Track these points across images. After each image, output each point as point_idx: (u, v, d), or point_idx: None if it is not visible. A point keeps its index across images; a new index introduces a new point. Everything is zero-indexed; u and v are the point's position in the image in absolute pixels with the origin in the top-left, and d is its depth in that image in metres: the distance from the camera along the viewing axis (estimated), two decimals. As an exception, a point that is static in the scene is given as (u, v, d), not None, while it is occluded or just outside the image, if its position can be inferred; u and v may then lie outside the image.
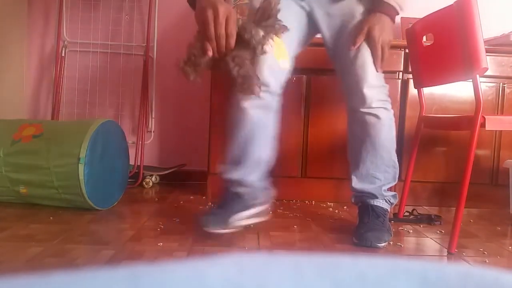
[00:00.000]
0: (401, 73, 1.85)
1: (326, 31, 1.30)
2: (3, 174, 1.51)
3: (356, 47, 1.24)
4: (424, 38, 1.46)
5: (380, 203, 1.35)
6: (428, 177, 1.86)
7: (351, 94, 1.30)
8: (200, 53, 0.96)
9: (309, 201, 1.86)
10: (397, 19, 2.23)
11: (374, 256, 0.20)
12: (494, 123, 1.22)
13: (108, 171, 1.58)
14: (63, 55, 2.19)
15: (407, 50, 1.76)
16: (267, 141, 1.29)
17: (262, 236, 1.29)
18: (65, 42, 2.20)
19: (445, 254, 1.21)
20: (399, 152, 1.85)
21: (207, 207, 1.26)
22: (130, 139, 2.18)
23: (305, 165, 1.87)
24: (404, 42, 1.73)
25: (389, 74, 1.85)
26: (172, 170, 2.15)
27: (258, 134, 1.25)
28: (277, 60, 1.07)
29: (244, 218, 1.26)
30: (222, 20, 0.94)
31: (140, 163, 2.13)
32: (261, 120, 1.25)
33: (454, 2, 1.23)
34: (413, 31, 1.49)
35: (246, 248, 1.19)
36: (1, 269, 0.96)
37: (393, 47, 1.85)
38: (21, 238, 1.18)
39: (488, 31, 1.87)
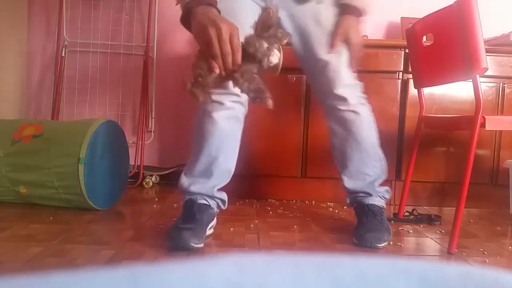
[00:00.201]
0: (401, 73, 1.85)
1: (290, 32, 1.28)
2: (3, 174, 1.51)
3: (334, 50, 1.24)
4: (424, 38, 1.46)
5: (375, 201, 1.35)
6: (428, 177, 1.86)
7: (327, 94, 1.30)
8: (206, 72, 0.95)
9: (309, 201, 1.86)
10: (397, 19, 2.24)
11: (374, 256, 0.20)
12: (494, 123, 1.22)
13: (108, 171, 1.58)
14: (63, 55, 2.19)
15: (407, 50, 1.76)
16: (235, 152, 1.28)
17: (262, 236, 1.29)
18: (65, 42, 2.20)
19: (445, 254, 1.21)
20: (399, 152, 1.86)
21: (175, 222, 1.21)
22: (130, 139, 2.18)
23: (305, 165, 1.87)
24: (404, 42, 1.73)
25: (389, 74, 1.85)
26: (172, 170, 2.15)
27: (228, 145, 1.24)
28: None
29: (208, 228, 1.24)
30: (226, 37, 0.92)
31: (140, 163, 2.13)
32: (231, 131, 1.23)
33: (454, 2, 1.23)
34: (413, 31, 1.49)
35: (246, 248, 1.19)
36: (1, 269, 0.96)
37: (393, 47, 1.86)
38: (21, 238, 1.18)
39: (488, 31, 1.88)
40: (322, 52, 1.25)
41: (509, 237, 1.43)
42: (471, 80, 1.21)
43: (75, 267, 0.99)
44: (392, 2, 2.28)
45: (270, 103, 0.97)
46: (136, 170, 2.12)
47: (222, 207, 1.32)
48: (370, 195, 1.36)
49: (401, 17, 2.22)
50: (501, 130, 1.84)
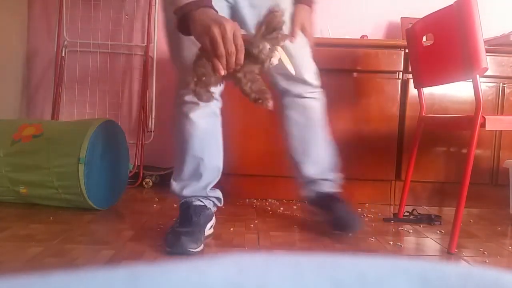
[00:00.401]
0: (401, 73, 1.85)
1: (251, 23, 1.25)
2: (3, 174, 1.51)
3: (294, 39, 1.25)
4: (424, 38, 1.46)
5: (333, 187, 1.40)
6: (428, 177, 1.86)
7: (293, 83, 1.32)
8: (210, 72, 0.94)
9: (309, 201, 1.86)
10: (397, 19, 2.24)
11: (374, 256, 0.20)
12: (494, 123, 1.22)
13: (108, 171, 1.58)
14: (63, 55, 2.19)
15: (407, 50, 1.76)
16: (220, 148, 1.28)
17: (262, 236, 1.29)
18: (65, 42, 2.20)
19: (445, 254, 1.21)
20: (399, 152, 1.86)
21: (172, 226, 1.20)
22: (130, 139, 2.18)
23: (305, 165, 1.86)
24: (404, 42, 1.73)
25: (389, 74, 1.85)
26: (172, 170, 2.15)
27: (210, 143, 1.24)
28: (287, 66, 1.05)
29: (208, 229, 1.24)
30: (230, 36, 0.90)
31: (140, 163, 2.13)
32: (211, 128, 1.24)
33: (454, 2, 1.23)
34: (413, 31, 1.49)
35: (246, 248, 1.19)
36: (1, 269, 0.96)
37: (393, 47, 1.86)
38: (21, 238, 1.18)
39: (488, 31, 1.88)
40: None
41: (509, 237, 1.43)
42: (471, 80, 1.21)
43: (75, 267, 0.99)
44: (392, 2, 2.28)
45: (271, 104, 0.97)
46: (136, 170, 2.12)
47: (219, 204, 1.32)
48: (329, 181, 1.39)
49: (401, 17, 2.22)
50: (501, 130, 1.84)
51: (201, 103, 1.18)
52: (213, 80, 0.96)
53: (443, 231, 1.44)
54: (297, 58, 1.25)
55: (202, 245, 1.14)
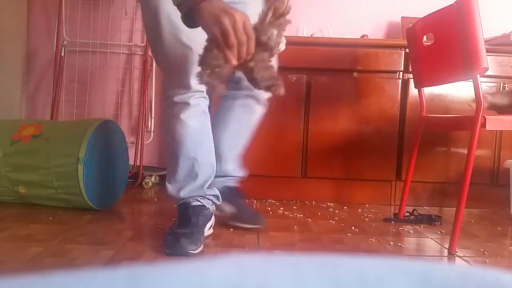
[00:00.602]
0: (401, 73, 1.85)
1: None
2: (2, 174, 1.51)
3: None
4: (425, 38, 1.46)
5: (238, 183, 1.45)
6: (429, 177, 1.86)
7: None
8: (223, 63, 0.93)
9: (309, 201, 1.86)
10: (398, 18, 2.24)
11: (374, 256, 0.20)
12: (494, 123, 1.22)
13: (107, 171, 1.58)
14: (62, 54, 2.19)
15: (407, 50, 1.76)
16: (212, 145, 1.28)
17: (262, 237, 1.29)
18: (65, 42, 2.20)
19: (446, 254, 1.21)
20: (399, 152, 1.86)
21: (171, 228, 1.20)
22: (130, 139, 2.18)
23: (305, 165, 1.87)
24: (405, 42, 1.73)
25: (389, 74, 1.85)
26: (172, 170, 2.15)
27: (203, 142, 1.24)
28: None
29: (207, 229, 1.23)
30: (240, 26, 0.90)
31: (140, 163, 2.13)
32: (201, 126, 1.23)
33: (454, 2, 1.23)
34: (413, 31, 1.49)
35: (246, 248, 1.19)
36: (1, 269, 0.96)
37: (394, 47, 1.86)
38: (21, 238, 1.18)
39: (489, 30, 1.88)
40: None
41: (509, 237, 1.42)
42: (471, 80, 1.21)
43: (75, 267, 0.99)
44: (393, 2, 2.28)
45: (283, 90, 0.98)
46: (136, 170, 2.11)
47: (217, 202, 1.32)
48: (235, 177, 1.43)
49: (402, 17, 2.22)
50: (502, 130, 1.84)
51: (192, 103, 1.18)
52: (226, 71, 0.95)
53: (443, 232, 1.43)
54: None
55: (202, 246, 1.13)
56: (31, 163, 1.49)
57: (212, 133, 1.30)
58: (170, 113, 1.20)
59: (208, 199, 1.28)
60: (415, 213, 1.60)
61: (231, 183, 1.42)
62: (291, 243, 1.25)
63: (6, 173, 1.51)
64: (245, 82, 1.33)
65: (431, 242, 1.32)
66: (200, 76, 0.94)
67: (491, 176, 1.86)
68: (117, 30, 2.24)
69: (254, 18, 1.09)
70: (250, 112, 1.38)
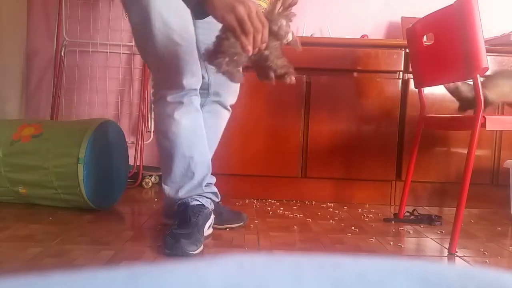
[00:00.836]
0: (401, 73, 1.85)
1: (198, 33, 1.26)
2: (2, 174, 1.51)
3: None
4: (425, 38, 1.46)
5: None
6: (429, 177, 1.86)
7: (228, 90, 1.36)
8: (240, 51, 0.93)
9: (309, 201, 1.86)
10: (398, 18, 2.24)
11: (375, 257, 0.20)
12: (494, 123, 1.22)
13: (107, 171, 1.58)
14: (62, 54, 2.19)
15: (407, 50, 1.76)
16: (205, 142, 1.28)
17: (262, 237, 1.29)
18: (65, 42, 2.20)
19: (446, 254, 1.21)
20: (399, 152, 1.86)
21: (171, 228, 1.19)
22: (130, 139, 2.18)
23: (305, 165, 1.87)
24: (405, 42, 1.73)
25: (389, 74, 1.85)
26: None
27: (197, 140, 1.24)
28: (297, 44, 1.06)
29: (206, 228, 1.22)
30: (255, 14, 0.91)
31: (140, 163, 2.13)
32: (195, 124, 1.23)
33: (454, 2, 1.23)
34: (413, 31, 1.49)
35: (246, 248, 1.19)
36: (1, 269, 0.96)
37: (394, 46, 1.86)
38: (21, 238, 1.18)
39: (489, 30, 1.88)
40: None
41: (509, 238, 1.42)
42: (471, 80, 1.21)
43: (75, 267, 0.99)
44: (393, 2, 2.28)
45: (294, 79, 1.00)
46: (136, 170, 2.11)
47: (216, 199, 1.31)
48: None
49: (402, 17, 2.22)
50: (502, 130, 1.84)
51: (185, 102, 1.18)
52: (242, 59, 0.95)
53: (443, 232, 1.43)
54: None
55: (202, 246, 1.13)
56: (31, 163, 1.49)
57: None
58: (164, 113, 1.20)
59: (207, 197, 1.27)
60: (415, 213, 1.60)
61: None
62: (291, 243, 1.25)
63: (6, 173, 1.51)
64: (213, 88, 1.34)
65: (431, 242, 1.32)
66: (219, 65, 0.94)
67: (491, 176, 1.86)
68: (117, 30, 2.24)
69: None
70: (217, 118, 1.39)
